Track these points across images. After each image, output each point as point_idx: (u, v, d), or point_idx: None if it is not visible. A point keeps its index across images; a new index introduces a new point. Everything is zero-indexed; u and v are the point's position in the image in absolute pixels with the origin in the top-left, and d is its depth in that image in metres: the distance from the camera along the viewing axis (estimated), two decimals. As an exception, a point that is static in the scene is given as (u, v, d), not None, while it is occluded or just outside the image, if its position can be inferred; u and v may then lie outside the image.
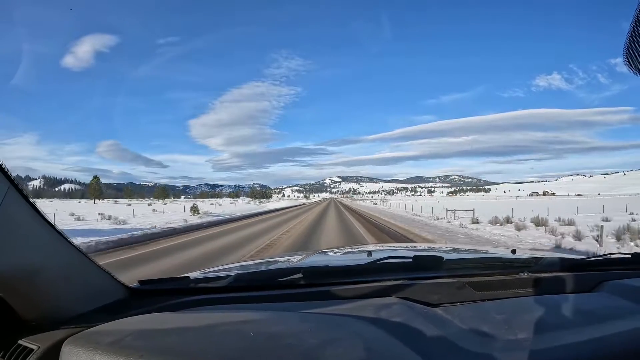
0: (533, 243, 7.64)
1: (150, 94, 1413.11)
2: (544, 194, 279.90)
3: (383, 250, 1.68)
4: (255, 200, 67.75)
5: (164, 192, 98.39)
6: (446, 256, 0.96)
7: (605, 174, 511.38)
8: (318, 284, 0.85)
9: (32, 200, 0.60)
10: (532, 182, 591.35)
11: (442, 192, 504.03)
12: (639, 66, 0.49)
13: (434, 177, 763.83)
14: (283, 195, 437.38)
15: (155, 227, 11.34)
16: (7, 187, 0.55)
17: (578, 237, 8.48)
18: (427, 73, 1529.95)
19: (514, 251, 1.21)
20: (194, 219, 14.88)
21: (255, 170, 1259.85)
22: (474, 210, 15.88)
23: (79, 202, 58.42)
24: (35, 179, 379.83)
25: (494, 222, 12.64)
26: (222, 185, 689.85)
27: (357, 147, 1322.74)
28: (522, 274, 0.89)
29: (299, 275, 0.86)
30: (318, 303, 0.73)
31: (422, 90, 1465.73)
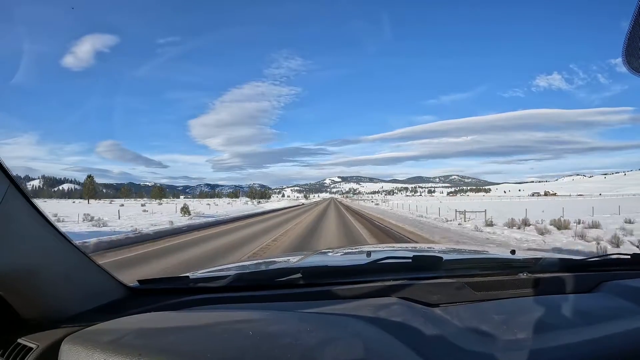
0: (569, 251, 6.50)
1: (150, 94, 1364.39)
2: (545, 194, 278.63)
3: (383, 250, 1.66)
4: (254, 200, 66.53)
5: (160, 192, 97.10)
6: (445, 256, 0.97)
7: (605, 174, 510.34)
8: (317, 283, 0.85)
9: (32, 199, 0.60)
10: (532, 182, 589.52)
11: (442, 192, 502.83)
12: (638, 66, 0.49)
13: (434, 177, 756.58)
14: (283, 196, 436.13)
15: (135, 230, 10.27)
16: (7, 186, 0.55)
17: (616, 242, 7.34)
18: (427, 73, 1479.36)
19: (513, 252, 1.21)
20: (183, 221, 13.75)
21: (255, 170, 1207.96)
22: (485, 211, 14.66)
23: (74, 202, 57.46)
24: (35, 179, 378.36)
25: (511, 224, 11.47)
26: (222, 186, 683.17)
27: (357, 147, 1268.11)
28: (521, 274, 0.89)
29: (298, 275, 0.86)
30: (317, 303, 0.73)
31: (423, 90, 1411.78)
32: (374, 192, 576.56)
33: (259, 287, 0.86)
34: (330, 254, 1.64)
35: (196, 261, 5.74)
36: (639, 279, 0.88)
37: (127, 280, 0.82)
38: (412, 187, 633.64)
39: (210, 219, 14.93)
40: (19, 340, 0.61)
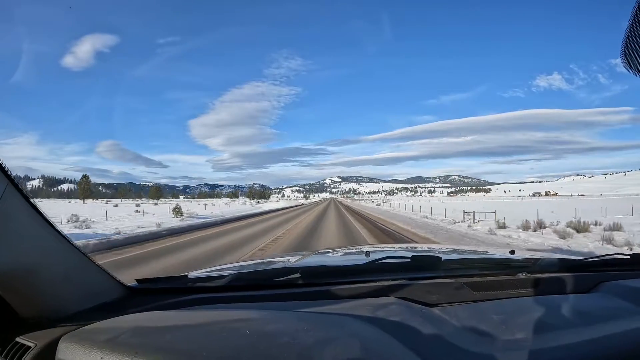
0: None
1: (150, 94, 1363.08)
2: (547, 194, 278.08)
3: (382, 250, 1.67)
4: (252, 200, 65.65)
5: (157, 191, 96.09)
6: (445, 256, 0.97)
7: (605, 174, 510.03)
8: (316, 283, 0.85)
9: (31, 198, 0.60)
10: (532, 182, 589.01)
11: (442, 192, 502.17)
12: (637, 65, 0.48)
13: (434, 177, 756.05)
14: (283, 196, 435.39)
15: (119, 232, 9.46)
16: (5, 185, 0.55)
17: (652, 248, 6.50)
18: (427, 73, 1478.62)
19: (512, 252, 1.21)
20: (174, 222, 12.92)
21: (255, 170, 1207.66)
22: (495, 212, 13.80)
23: (69, 202, 56.62)
24: (34, 179, 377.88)
25: (525, 226, 10.63)
26: (222, 186, 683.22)
27: (357, 147, 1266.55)
28: (520, 274, 0.89)
29: (297, 275, 0.86)
30: (315, 302, 0.73)
31: (422, 90, 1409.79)
32: (374, 192, 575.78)
33: (258, 286, 0.86)
34: (329, 254, 1.64)
35: (183, 265, 4.93)
36: (638, 279, 0.88)
37: (126, 280, 0.83)
38: (412, 187, 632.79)
39: (202, 221, 14.10)
40: (17, 339, 0.61)
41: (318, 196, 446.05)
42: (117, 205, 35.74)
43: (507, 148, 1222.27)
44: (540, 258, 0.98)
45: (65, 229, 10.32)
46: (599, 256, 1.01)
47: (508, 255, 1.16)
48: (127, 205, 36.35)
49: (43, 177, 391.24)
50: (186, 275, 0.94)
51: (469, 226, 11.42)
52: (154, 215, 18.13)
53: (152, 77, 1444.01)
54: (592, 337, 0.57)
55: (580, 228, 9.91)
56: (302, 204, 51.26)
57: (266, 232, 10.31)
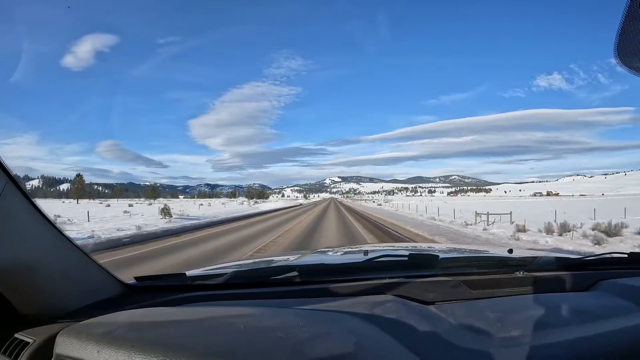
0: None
1: (150, 94, 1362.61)
2: (548, 194, 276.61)
3: (381, 249, 1.66)
4: (251, 200, 64.43)
5: (154, 191, 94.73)
6: (442, 255, 0.96)
7: (605, 175, 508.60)
8: (314, 281, 0.86)
9: (31, 196, 0.60)
10: (533, 182, 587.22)
11: (442, 192, 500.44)
12: (632, 63, 0.48)
13: (434, 177, 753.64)
14: (282, 195, 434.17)
15: (93, 236, 8.37)
16: (4, 183, 0.55)
17: None
18: (427, 73, 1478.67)
19: (510, 250, 1.22)
20: (160, 224, 11.81)
21: (255, 170, 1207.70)
22: (510, 213, 12.67)
23: (63, 202, 55.48)
24: (34, 179, 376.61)
25: (548, 229, 9.53)
26: (222, 186, 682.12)
27: (357, 147, 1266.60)
28: (517, 272, 0.89)
29: (295, 273, 0.87)
30: (313, 300, 0.74)
31: (423, 90, 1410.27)
32: (374, 192, 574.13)
33: (256, 284, 0.86)
34: (328, 252, 1.64)
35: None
36: (636, 277, 0.88)
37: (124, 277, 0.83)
38: (412, 187, 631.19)
39: (192, 222, 12.99)
40: (16, 335, 0.61)
41: (318, 196, 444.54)
42: (109, 206, 34.53)
43: (507, 148, 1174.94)
44: (537, 256, 0.98)
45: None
46: (597, 255, 1.01)
47: (506, 254, 1.17)
48: (120, 205, 35.21)
49: (43, 177, 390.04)
50: (184, 273, 0.94)
51: (484, 229, 10.31)
52: (143, 216, 17.01)
53: (152, 77, 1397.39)
54: (590, 334, 0.57)
55: (610, 231, 8.81)
56: (301, 204, 49.96)
57: (265, 233, 9.54)
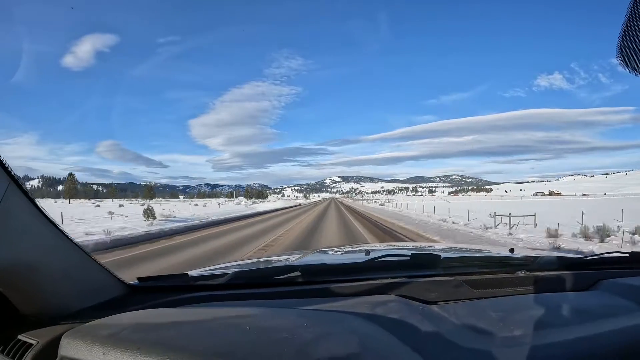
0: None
1: (150, 94, 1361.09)
2: (550, 193, 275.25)
3: (383, 249, 1.67)
4: (249, 200, 63.07)
5: (150, 191, 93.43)
6: (444, 255, 0.97)
7: (606, 174, 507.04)
8: (316, 281, 0.86)
9: (33, 197, 0.60)
10: (533, 182, 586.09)
11: (443, 192, 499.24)
12: (634, 64, 0.48)
13: (435, 177, 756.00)
14: (282, 195, 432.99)
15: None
16: (7, 183, 0.56)
17: None
18: (427, 72, 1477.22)
19: (512, 250, 1.22)
20: (139, 228, 10.45)
21: (255, 170, 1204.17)
22: (535, 215, 11.26)
23: (55, 202, 54.10)
24: (34, 179, 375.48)
25: (586, 235, 8.15)
26: (222, 186, 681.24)
27: (358, 147, 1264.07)
28: (519, 272, 0.89)
29: (297, 273, 0.87)
30: (315, 300, 0.74)
31: (423, 89, 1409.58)
32: (375, 192, 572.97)
33: (258, 284, 0.87)
34: (329, 252, 1.64)
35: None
36: (637, 277, 0.88)
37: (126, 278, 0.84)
38: (412, 187, 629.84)
39: (177, 225, 11.64)
40: (19, 337, 0.61)
41: (318, 196, 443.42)
42: (98, 206, 33.21)
43: (507, 148, 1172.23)
44: (539, 256, 0.98)
45: None
46: (598, 254, 1.01)
47: (507, 254, 1.17)
48: (111, 205, 33.80)
49: (42, 177, 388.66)
50: (187, 274, 0.94)
51: (509, 234, 8.91)
52: (126, 217, 15.65)
53: (152, 77, 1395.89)
54: (591, 334, 0.58)
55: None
56: (300, 205, 48.67)
57: (258, 237, 8.50)
